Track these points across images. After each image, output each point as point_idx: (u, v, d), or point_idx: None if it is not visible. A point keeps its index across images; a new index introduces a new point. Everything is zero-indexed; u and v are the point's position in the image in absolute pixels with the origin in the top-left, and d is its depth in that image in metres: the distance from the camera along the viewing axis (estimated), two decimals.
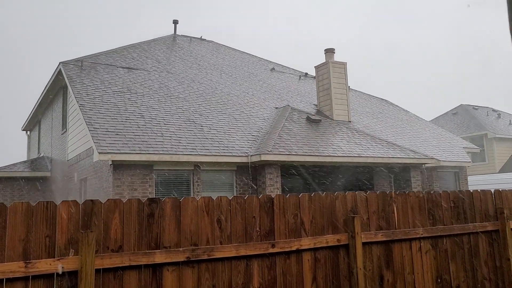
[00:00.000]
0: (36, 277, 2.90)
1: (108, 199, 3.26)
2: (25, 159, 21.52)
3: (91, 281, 2.97)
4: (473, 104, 30.73)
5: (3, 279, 2.79)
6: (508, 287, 5.09)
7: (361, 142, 12.83)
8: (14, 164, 16.61)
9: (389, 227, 4.45)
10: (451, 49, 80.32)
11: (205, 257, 3.46)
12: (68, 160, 13.67)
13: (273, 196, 3.90)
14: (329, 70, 15.28)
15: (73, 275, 3.01)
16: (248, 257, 3.68)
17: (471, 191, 5.13)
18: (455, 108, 30.43)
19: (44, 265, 2.90)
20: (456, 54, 79.28)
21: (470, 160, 16.03)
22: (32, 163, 17.38)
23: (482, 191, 5.24)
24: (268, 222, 3.82)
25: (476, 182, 18.92)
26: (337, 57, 15.90)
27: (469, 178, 17.83)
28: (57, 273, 2.96)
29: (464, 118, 28.30)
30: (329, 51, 15.79)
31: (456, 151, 16.14)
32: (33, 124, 20.88)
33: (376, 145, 12.86)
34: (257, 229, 3.76)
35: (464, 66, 76.47)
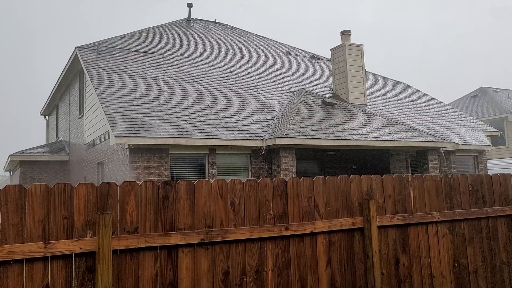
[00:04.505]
0: (55, 257, 2.97)
1: (124, 181, 3.29)
2: (44, 143, 21.96)
3: (109, 262, 3.03)
4: (494, 86, 29.96)
5: (23, 259, 2.87)
6: None
7: (378, 125, 12.67)
8: (33, 148, 16.96)
9: (405, 210, 4.40)
10: (472, 31, 78.15)
11: (219, 239, 3.48)
12: (85, 144, 13.87)
13: (286, 179, 3.89)
14: (345, 53, 15.03)
15: (90, 256, 3.07)
16: (262, 240, 3.69)
17: (491, 174, 5.03)
18: (475, 90, 29.76)
19: (62, 246, 2.96)
20: (477, 35, 77.12)
21: (490, 144, 15.70)
22: (51, 147, 17.71)
23: (502, 174, 5.13)
24: (281, 205, 3.82)
25: (496, 166, 18.56)
26: (355, 40, 15.64)
27: (488, 162, 17.50)
28: (75, 253, 3.02)
29: (484, 100, 27.66)
30: (345, 33, 15.50)
31: (475, 135, 15.82)
32: (51, 108, 21.20)
33: (393, 129, 12.68)
34: (271, 211, 3.76)
35: (486, 48, 74.40)
